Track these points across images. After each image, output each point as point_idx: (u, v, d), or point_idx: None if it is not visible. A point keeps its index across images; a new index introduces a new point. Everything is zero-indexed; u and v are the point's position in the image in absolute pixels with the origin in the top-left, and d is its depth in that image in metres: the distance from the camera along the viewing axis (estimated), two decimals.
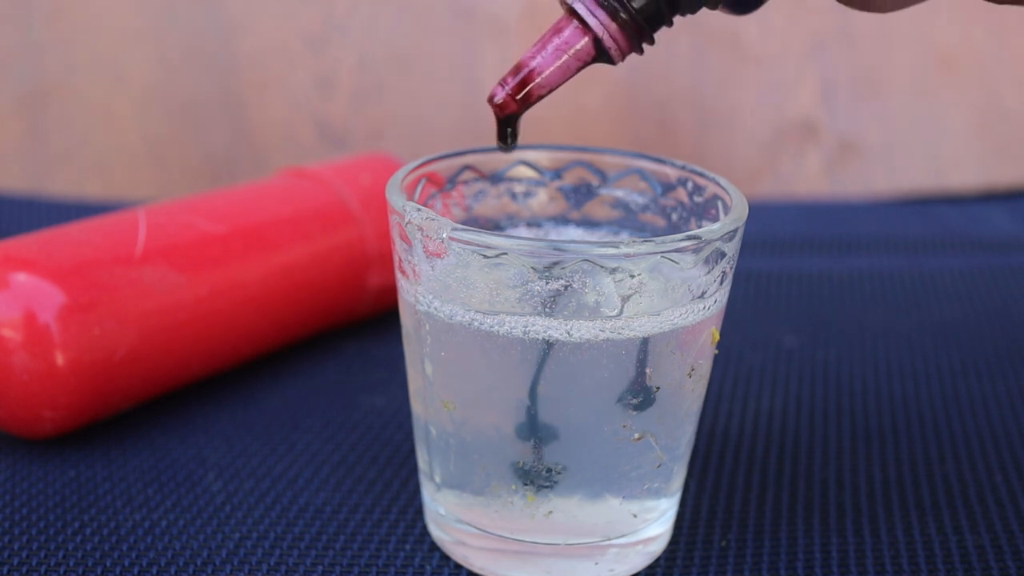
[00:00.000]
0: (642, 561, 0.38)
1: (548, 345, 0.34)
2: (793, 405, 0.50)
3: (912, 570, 0.39)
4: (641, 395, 0.35)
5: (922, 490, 0.44)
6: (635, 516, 0.37)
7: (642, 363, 0.34)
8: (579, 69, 0.36)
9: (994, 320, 0.60)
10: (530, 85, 0.35)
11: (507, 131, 0.37)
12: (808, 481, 0.44)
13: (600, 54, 0.35)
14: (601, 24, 0.34)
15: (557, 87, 0.36)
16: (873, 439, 0.47)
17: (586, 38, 0.35)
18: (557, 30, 0.35)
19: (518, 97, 0.36)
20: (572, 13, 0.35)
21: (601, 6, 0.34)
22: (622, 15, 0.34)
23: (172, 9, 0.81)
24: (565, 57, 0.35)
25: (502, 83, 0.36)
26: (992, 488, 0.44)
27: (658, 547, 0.39)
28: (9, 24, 0.80)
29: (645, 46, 0.35)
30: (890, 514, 0.42)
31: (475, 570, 0.38)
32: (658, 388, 0.35)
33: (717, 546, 0.40)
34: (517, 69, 0.35)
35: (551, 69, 0.35)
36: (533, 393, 0.34)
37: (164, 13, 0.81)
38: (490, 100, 0.36)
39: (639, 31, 0.35)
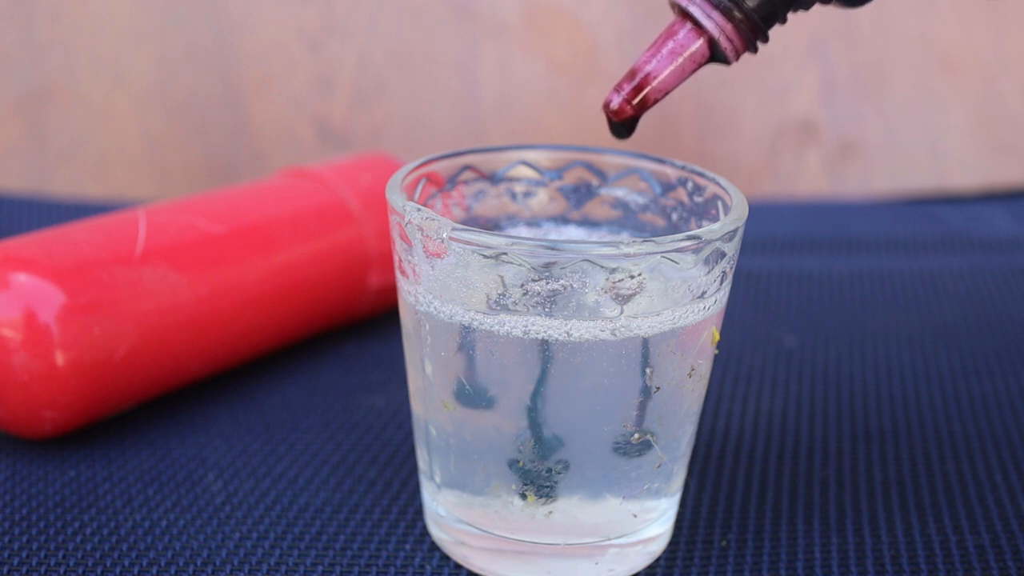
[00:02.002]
0: (642, 561, 0.38)
1: (548, 346, 0.34)
2: (793, 405, 0.50)
3: (912, 570, 0.39)
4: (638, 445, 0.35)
5: (922, 490, 0.44)
6: (635, 516, 0.37)
7: (642, 363, 0.34)
8: (694, 71, 0.35)
9: (994, 320, 0.60)
10: (646, 90, 0.35)
11: (622, 131, 0.36)
12: (808, 481, 0.44)
13: (715, 55, 0.35)
14: (717, 25, 0.34)
15: (672, 90, 0.35)
16: (873, 439, 0.47)
17: (701, 40, 0.35)
18: (671, 33, 0.35)
19: (634, 102, 0.35)
20: (685, 15, 0.35)
21: (716, 7, 0.34)
22: (737, 15, 0.34)
23: (172, 9, 0.81)
24: (680, 60, 0.35)
25: (617, 88, 0.35)
26: (992, 488, 0.44)
27: (658, 547, 0.39)
28: (9, 24, 0.80)
29: (759, 44, 0.35)
30: (890, 514, 0.42)
31: (475, 570, 0.38)
32: (658, 388, 0.35)
33: (717, 546, 0.40)
34: (632, 74, 0.35)
35: (666, 73, 0.35)
36: (535, 395, 0.34)
37: (164, 13, 0.81)
38: (605, 106, 0.36)
39: (754, 30, 0.34)
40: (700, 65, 0.35)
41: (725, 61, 0.35)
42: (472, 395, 0.35)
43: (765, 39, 0.35)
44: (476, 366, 0.35)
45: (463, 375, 0.35)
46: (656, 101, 0.35)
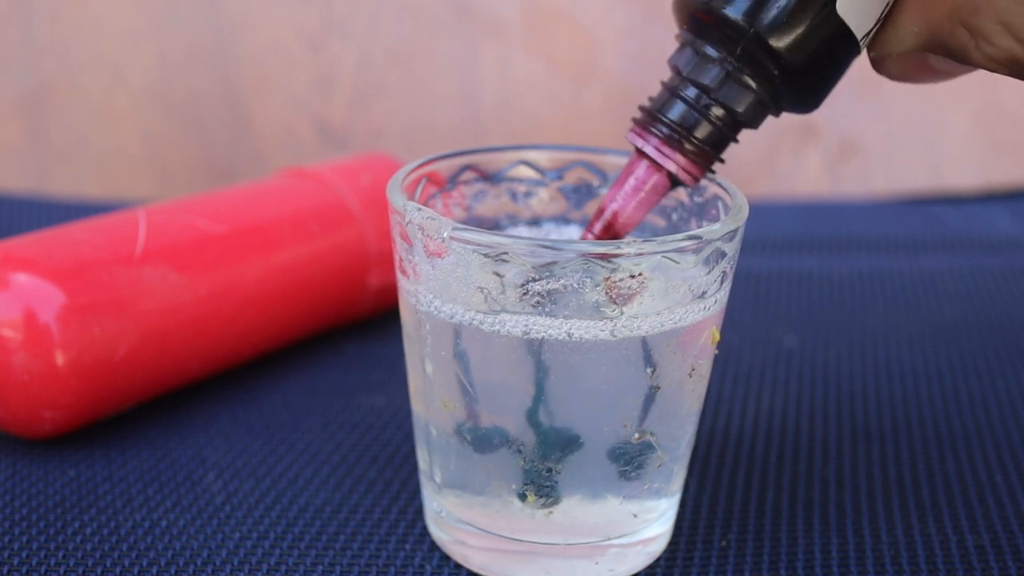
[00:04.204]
0: (642, 561, 0.38)
1: (548, 346, 0.34)
2: (793, 405, 0.50)
3: (912, 570, 0.39)
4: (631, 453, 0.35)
5: (922, 490, 0.44)
6: (635, 516, 0.37)
7: (642, 363, 0.34)
8: (659, 200, 0.37)
9: (994, 320, 0.60)
10: (615, 227, 0.37)
11: None
12: (808, 481, 0.44)
13: (676, 182, 0.37)
14: (671, 160, 0.36)
15: (641, 220, 0.37)
16: (873, 439, 0.47)
17: (659, 174, 0.37)
18: (630, 171, 0.37)
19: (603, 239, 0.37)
20: (642, 153, 0.36)
21: (667, 143, 0.36)
22: (688, 147, 0.36)
23: (172, 9, 0.81)
24: (642, 194, 0.37)
25: (589, 227, 0.37)
26: (992, 488, 0.44)
27: (658, 547, 0.39)
28: (9, 24, 0.80)
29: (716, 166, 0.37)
30: (890, 514, 0.42)
31: (475, 570, 0.38)
32: (658, 388, 0.35)
33: (717, 546, 0.40)
34: (599, 213, 0.37)
35: (631, 208, 0.37)
36: (535, 395, 0.34)
37: (164, 13, 0.81)
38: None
39: (707, 158, 0.36)
40: (663, 194, 0.37)
41: (686, 186, 0.37)
42: (485, 438, 0.35)
43: (721, 160, 0.37)
44: (476, 366, 0.35)
45: (463, 377, 0.35)
46: (627, 234, 0.37)
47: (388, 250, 0.54)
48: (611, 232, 0.37)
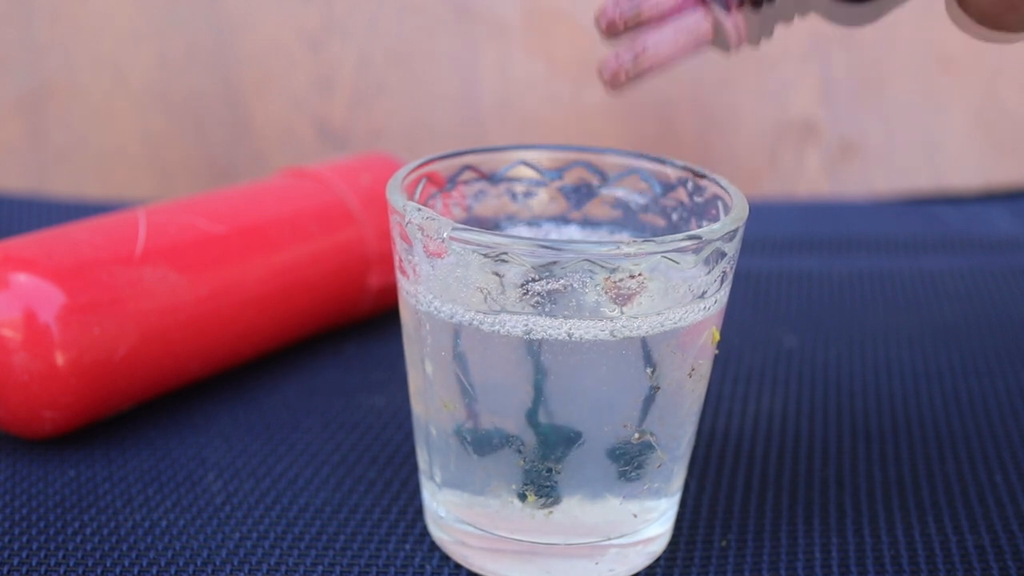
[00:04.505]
0: (642, 561, 0.38)
1: (548, 346, 0.34)
2: (793, 405, 0.50)
3: (912, 570, 0.39)
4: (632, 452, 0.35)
5: (922, 490, 0.44)
6: (635, 516, 0.37)
7: (642, 363, 0.34)
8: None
9: (994, 320, 0.60)
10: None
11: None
12: (808, 481, 0.44)
13: (717, 39, 0.35)
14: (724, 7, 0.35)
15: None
16: (873, 439, 0.47)
17: (706, 20, 0.35)
18: (679, 8, 0.35)
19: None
20: None
21: None
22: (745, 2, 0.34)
23: (172, 9, 0.81)
24: (682, 36, 0.35)
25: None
26: (992, 488, 0.44)
27: (658, 547, 0.39)
28: (9, 24, 0.80)
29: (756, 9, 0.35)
30: (890, 514, 0.42)
31: (475, 570, 0.38)
32: (658, 388, 0.35)
33: (717, 546, 0.40)
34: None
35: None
36: (535, 395, 0.34)
37: (164, 13, 0.81)
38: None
39: (756, 8, 0.35)
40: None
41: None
42: (484, 439, 0.35)
43: (768, 34, 0.35)
44: (476, 366, 0.35)
45: (463, 377, 0.35)
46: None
47: (388, 250, 0.54)
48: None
